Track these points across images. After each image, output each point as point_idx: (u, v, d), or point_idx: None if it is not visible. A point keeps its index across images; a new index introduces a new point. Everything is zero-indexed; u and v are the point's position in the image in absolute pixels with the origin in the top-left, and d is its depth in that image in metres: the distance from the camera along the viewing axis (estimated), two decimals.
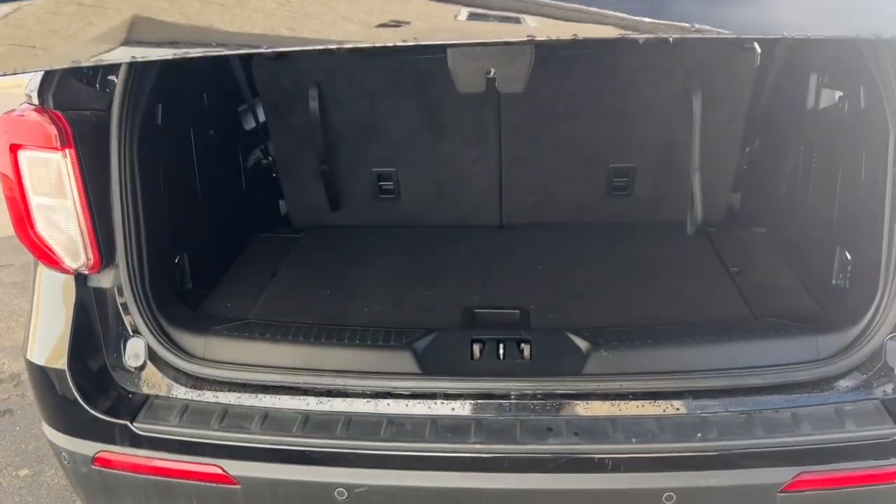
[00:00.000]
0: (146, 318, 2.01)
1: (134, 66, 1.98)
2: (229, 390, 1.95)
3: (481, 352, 1.96)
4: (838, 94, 2.27)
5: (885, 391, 1.85)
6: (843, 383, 1.85)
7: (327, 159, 2.62)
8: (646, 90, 2.42)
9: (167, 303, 2.11)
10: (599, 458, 1.75)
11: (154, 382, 2.00)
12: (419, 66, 2.42)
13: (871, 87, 1.90)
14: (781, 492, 1.75)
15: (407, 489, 1.81)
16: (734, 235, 2.66)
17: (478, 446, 1.76)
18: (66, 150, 1.87)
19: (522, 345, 1.96)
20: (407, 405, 1.87)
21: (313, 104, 2.48)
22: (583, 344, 1.93)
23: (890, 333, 1.86)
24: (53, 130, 1.84)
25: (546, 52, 2.40)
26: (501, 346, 1.97)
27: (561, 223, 2.77)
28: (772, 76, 2.48)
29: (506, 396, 1.86)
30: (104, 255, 1.98)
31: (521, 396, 1.85)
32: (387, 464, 1.80)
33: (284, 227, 2.94)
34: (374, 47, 1.22)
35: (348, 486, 1.81)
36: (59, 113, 1.86)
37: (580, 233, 2.70)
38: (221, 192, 2.66)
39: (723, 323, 2.02)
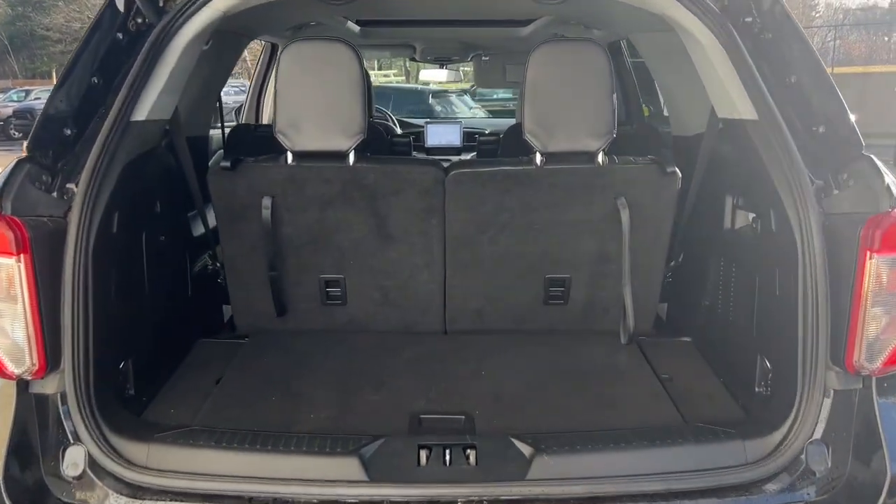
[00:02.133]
0: (88, 426, 1.98)
1: (95, 173, 2.04)
2: (171, 499, 1.92)
3: (428, 458, 2.00)
4: (751, 215, 2.50)
5: (808, 493, 1.96)
6: (770, 486, 1.96)
7: (276, 266, 2.69)
8: (579, 207, 2.61)
9: (110, 409, 2.09)
10: None
11: (93, 493, 1.96)
12: (368, 179, 2.56)
13: (780, 212, 2.12)
14: None
15: None
16: (663, 343, 2.82)
17: None
18: (21, 255, 1.88)
19: (468, 450, 2.01)
20: None
21: (266, 213, 2.57)
22: (526, 449, 1.99)
23: (809, 438, 2.00)
24: (10, 235, 1.86)
25: (489, 169, 2.58)
26: (448, 451, 2.01)
27: (502, 330, 2.88)
28: (692, 196, 2.71)
29: (452, 503, 1.89)
30: (50, 360, 1.97)
31: (468, 503, 1.89)
32: None
33: (229, 331, 2.95)
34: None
35: None
36: (16, 219, 1.89)
37: (520, 339, 2.81)
38: (168, 298, 2.67)
39: (657, 428, 2.13)
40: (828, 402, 2.01)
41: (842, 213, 2.01)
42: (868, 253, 1.91)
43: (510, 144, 4.13)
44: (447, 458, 2.00)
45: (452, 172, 2.58)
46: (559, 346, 2.77)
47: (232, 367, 2.59)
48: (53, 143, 2.08)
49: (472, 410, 2.27)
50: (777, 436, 2.02)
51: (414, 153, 5.54)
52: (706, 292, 2.83)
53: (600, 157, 2.53)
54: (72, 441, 1.98)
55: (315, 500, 1.90)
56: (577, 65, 2.49)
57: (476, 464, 1.99)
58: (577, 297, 2.82)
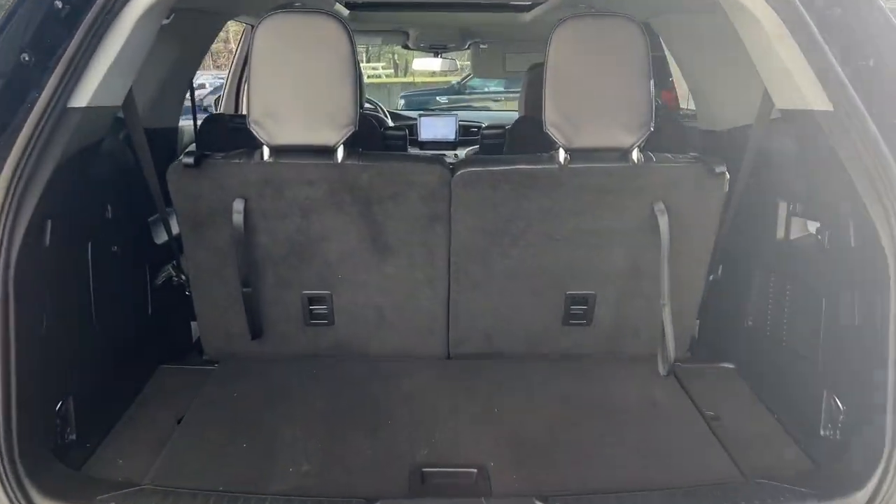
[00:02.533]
0: (10, 491, 1.58)
1: (18, 173, 1.63)
2: None
3: None
4: (814, 224, 2.12)
5: None
6: None
7: (250, 281, 2.28)
8: (609, 213, 2.22)
9: (41, 464, 1.68)
10: None
11: None
12: (360, 180, 2.15)
13: (862, 222, 1.74)
14: None
15: None
16: (702, 371, 2.44)
17: None
18: None
19: None
20: None
21: (237, 218, 2.16)
22: None
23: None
24: None
25: (503, 168, 2.18)
26: None
27: (515, 354, 2.48)
28: (735, 201, 2.32)
29: None
30: None
31: None
32: None
33: (196, 356, 2.55)
34: None
35: None
36: None
37: (536, 366, 2.43)
38: (122, 319, 2.27)
39: (712, 486, 1.75)
40: None
41: None
42: None
43: (517, 139, 3.73)
44: None
45: (460, 172, 2.18)
46: (583, 374, 2.39)
47: (197, 402, 2.18)
48: None
49: (485, 462, 1.88)
50: (861, 497, 1.64)
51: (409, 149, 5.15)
52: (750, 311, 2.45)
53: (635, 155, 2.14)
54: None
55: None
56: (609, 44, 2.09)
57: None
58: (603, 317, 2.43)
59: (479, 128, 5.49)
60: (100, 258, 2.10)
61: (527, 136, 3.79)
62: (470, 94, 11.59)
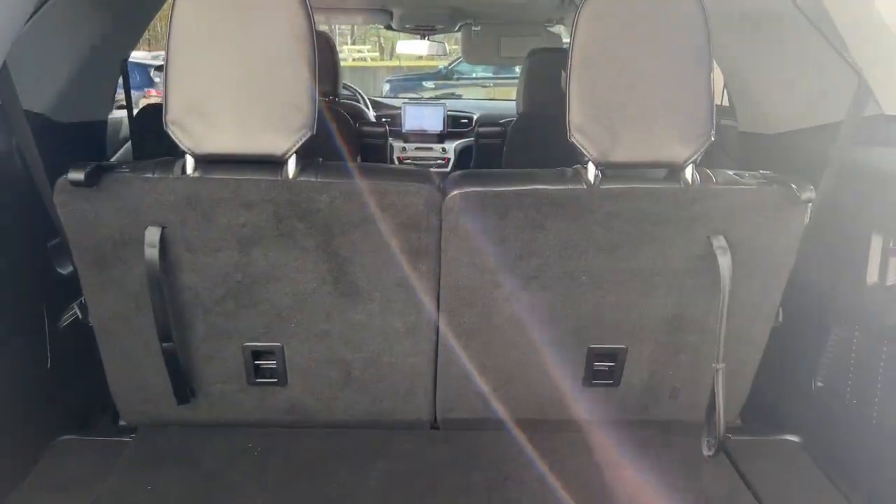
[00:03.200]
0: None
1: None
2: None
3: None
4: None
5: None
6: None
7: (171, 333, 1.71)
8: (652, 249, 1.67)
9: None
10: None
11: None
12: (319, 202, 1.59)
13: None
14: None
15: None
16: (757, 446, 1.92)
17: None
18: None
19: None
20: None
21: (151, 252, 1.60)
22: None
23: None
24: None
25: (512, 188, 1.62)
26: None
27: (519, 422, 1.94)
28: (813, 231, 1.78)
29: None
30: None
31: None
32: None
33: (109, 423, 1.98)
34: None
35: None
36: None
37: (547, 438, 1.89)
38: (8, 373, 1.70)
39: None
40: None
41: None
42: None
43: (520, 141, 3.16)
44: None
45: (454, 192, 1.62)
46: (607, 449, 1.85)
47: (105, 489, 1.63)
48: None
49: None
50: None
51: (390, 141, 4.59)
52: (820, 369, 1.92)
53: (689, 172, 1.60)
54: None
55: None
56: (657, 24, 1.54)
57: None
58: (635, 377, 1.89)
59: (469, 118, 4.94)
60: None
61: (533, 139, 3.23)
62: (458, 79, 10.98)
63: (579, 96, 1.54)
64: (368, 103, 5.23)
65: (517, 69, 5.33)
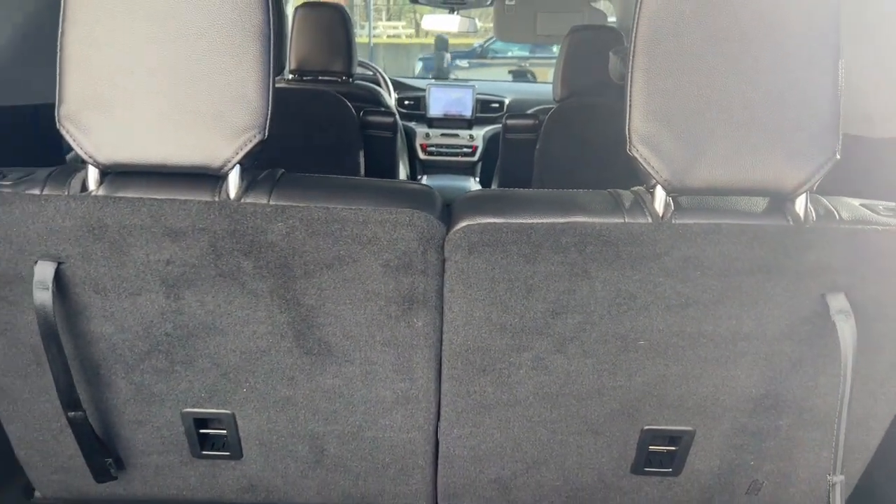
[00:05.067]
0: None
1: None
2: None
3: None
4: None
5: None
6: None
7: (77, 398, 1.27)
8: (739, 305, 1.19)
9: None
10: None
11: None
12: (272, 232, 1.13)
13: None
14: None
15: None
16: None
17: None
18: None
19: None
20: None
21: (42, 296, 1.15)
22: None
23: None
24: None
25: (541, 221, 1.15)
26: None
27: None
28: None
29: None
30: None
31: None
32: None
33: (20, 496, 1.56)
34: None
35: None
36: None
37: None
38: None
39: None
40: None
41: None
42: None
43: (556, 139, 2.63)
44: None
45: (462, 225, 1.15)
46: None
47: None
48: None
49: None
50: None
51: (414, 126, 4.12)
52: None
53: (801, 205, 1.11)
54: None
55: None
56: (761, 12, 1.05)
57: None
58: (703, 465, 1.41)
59: (500, 103, 4.45)
60: None
61: (573, 133, 2.72)
62: (493, 58, 10.44)
63: (645, 94, 1.06)
64: (389, 84, 4.76)
65: (555, 49, 4.82)
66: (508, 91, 4.79)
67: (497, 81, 6.46)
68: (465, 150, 4.24)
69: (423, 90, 4.40)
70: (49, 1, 1.77)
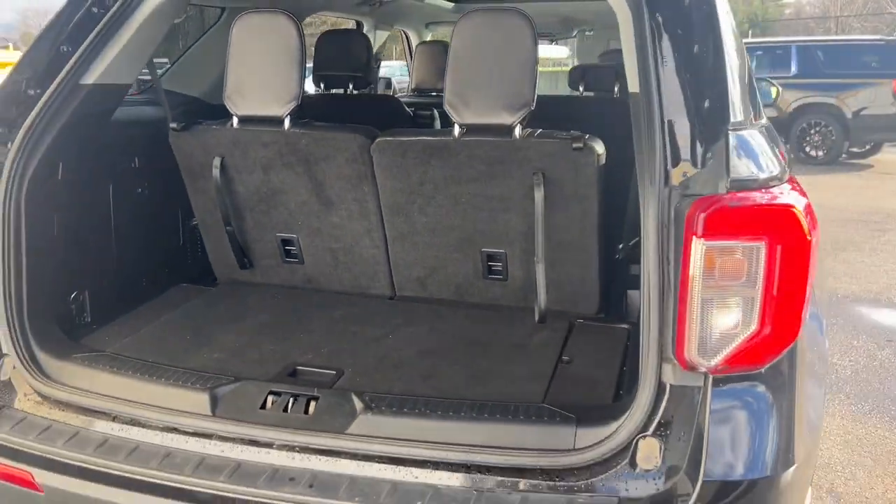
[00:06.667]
0: (15, 341, 2.35)
1: (32, 128, 2.39)
2: (59, 409, 2.24)
3: (273, 403, 2.14)
4: None
5: (625, 489, 1.85)
6: (581, 476, 1.88)
7: (231, 222, 2.94)
8: (500, 182, 2.57)
9: (45, 331, 2.44)
10: None
11: (13, 396, 2.33)
12: (300, 144, 2.71)
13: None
14: None
15: None
16: (601, 328, 2.71)
17: (221, 485, 1.94)
18: None
19: (310, 401, 2.13)
20: (186, 441, 2.08)
21: (216, 172, 2.82)
22: (359, 406, 2.07)
23: (640, 433, 1.88)
24: None
25: (409, 139, 2.63)
26: (292, 400, 2.14)
27: (446, 300, 2.92)
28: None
29: (269, 445, 2.03)
30: None
31: (283, 447, 2.02)
32: (152, 491, 2.01)
33: (210, 279, 3.27)
34: None
35: None
36: None
37: (458, 312, 2.84)
38: (146, 243, 3.03)
39: (498, 404, 2.10)
40: (662, 398, 1.87)
41: (692, 193, 1.84)
42: (693, 237, 1.76)
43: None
44: (289, 405, 2.13)
45: (377, 140, 2.66)
46: (490, 321, 2.76)
47: (183, 308, 2.89)
48: (16, 101, 2.46)
49: (347, 367, 2.37)
50: (610, 427, 1.92)
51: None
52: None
53: (517, 131, 2.48)
54: (4, 352, 2.37)
55: (161, 425, 2.13)
56: (498, 35, 2.45)
57: (310, 413, 2.10)
58: (516, 273, 2.78)
59: None
60: (123, 197, 2.86)
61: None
62: None
63: (450, 80, 2.50)
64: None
65: None
66: None
67: None
68: None
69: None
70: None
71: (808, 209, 1.86)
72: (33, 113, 2.40)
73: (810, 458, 2.04)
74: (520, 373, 2.36)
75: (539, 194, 2.50)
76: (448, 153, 2.59)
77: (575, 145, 2.42)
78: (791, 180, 2.02)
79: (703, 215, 1.74)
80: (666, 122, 1.91)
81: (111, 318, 2.78)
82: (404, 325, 2.72)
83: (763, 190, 1.82)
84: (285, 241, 3.00)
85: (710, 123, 1.87)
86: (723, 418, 1.84)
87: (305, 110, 2.78)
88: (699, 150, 1.84)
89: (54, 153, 2.46)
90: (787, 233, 1.76)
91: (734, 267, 1.77)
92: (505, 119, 2.46)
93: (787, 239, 1.76)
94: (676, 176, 1.86)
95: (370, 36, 5.26)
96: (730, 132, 1.84)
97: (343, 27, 6.26)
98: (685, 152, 1.86)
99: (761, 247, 1.76)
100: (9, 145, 2.40)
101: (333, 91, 4.24)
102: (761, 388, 1.87)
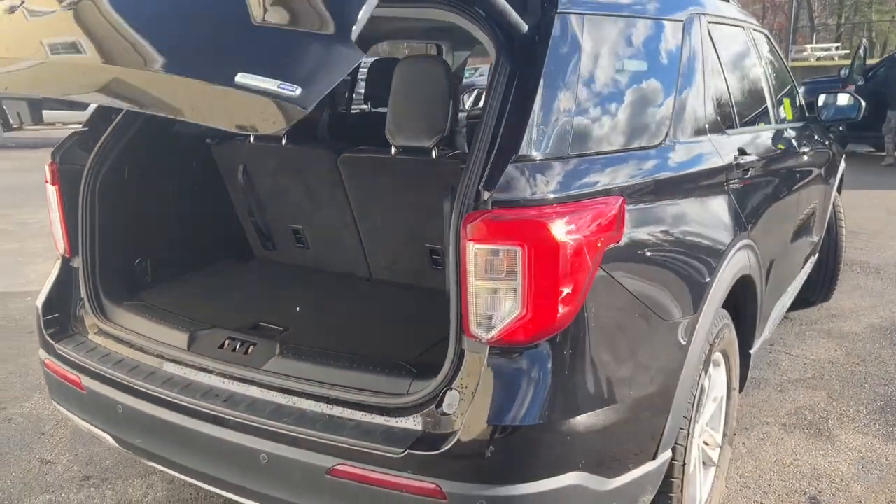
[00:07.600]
0: (88, 290, 3.41)
1: (105, 141, 3.43)
2: (104, 337, 3.27)
3: (227, 345, 3.00)
4: None
5: (432, 425, 2.47)
6: (406, 416, 2.50)
7: (254, 213, 3.85)
8: (426, 193, 3.22)
9: (111, 285, 3.49)
10: (230, 420, 2.70)
11: (85, 329, 3.39)
12: (292, 156, 3.55)
13: None
14: (328, 473, 2.52)
15: (142, 413, 2.93)
16: None
17: (175, 395, 2.83)
18: (56, 185, 3.38)
19: (250, 346, 2.96)
20: (165, 365, 3.01)
21: (240, 176, 3.74)
22: (276, 351, 2.87)
23: (447, 386, 2.49)
24: (49, 173, 3.37)
25: (361, 156, 3.37)
26: (238, 344, 2.98)
27: (409, 284, 3.62)
28: None
29: (211, 372, 2.89)
30: (73, 249, 3.44)
31: (221, 374, 2.87)
32: (136, 395, 2.95)
33: (249, 254, 4.21)
34: None
35: (123, 405, 3.00)
36: (55, 163, 3.37)
37: (409, 293, 3.54)
38: (199, 227, 4.03)
39: (372, 358, 2.78)
40: (462, 362, 2.46)
41: (473, 206, 2.36)
42: (468, 241, 2.34)
43: None
44: (236, 347, 2.98)
45: (342, 156, 3.42)
46: (433, 300, 3.42)
47: (218, 278, 3.85)
48: (104, 120, 3.53)
49: (293, 326, 3.18)
50: (432, 382, 2.54)
51: None
52: None
53: (434, 152, 3.13)
54: (82, 296, 3.45)
55: (154, 353, 3.07)
56: (419, 77, 3.12)
57: (248, 354, 2.93)
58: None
59: None
60: (181, 191, 3.87)
61: None
62: None
63: (390, 111, 3.20)
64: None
65: None
66: None
67: None
68: None
69: None
70: None
71: (576, 221, 2.34)
72: (107, 132, 3.44)
73: (570, 417, 2.43)
74: (416, 339, 3.01)
75: (447, 205, 3.13)
76: (389, 168, 3.30)
77: (463, 166, 3.02)
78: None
79: (470, 225, 2.32)
80: (478, 148, 2.46)
81: (167, 279, 3.79)
82: (360, 300, 3.48)
83: (525, 208, 2.34)
84: (295, 231, 3.87)
85: (501, 155, 2.41)
86: (498, 379, 2.40)
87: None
88: (486, 174, 2.40)
89: (121, 159, 3.49)
90: (538, 240, 2.29)
91: (498, 265, 2.33)
92: (424, 142, 3.12)
93: (538, 245, 2.29)
94: (471, 192, 2.41)
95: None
96: (512, 163, 2.37)
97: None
98: (478, 174, 2.42)
99: (519, 250, 2.30)
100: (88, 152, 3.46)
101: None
102: (528, 359, 2.39)
